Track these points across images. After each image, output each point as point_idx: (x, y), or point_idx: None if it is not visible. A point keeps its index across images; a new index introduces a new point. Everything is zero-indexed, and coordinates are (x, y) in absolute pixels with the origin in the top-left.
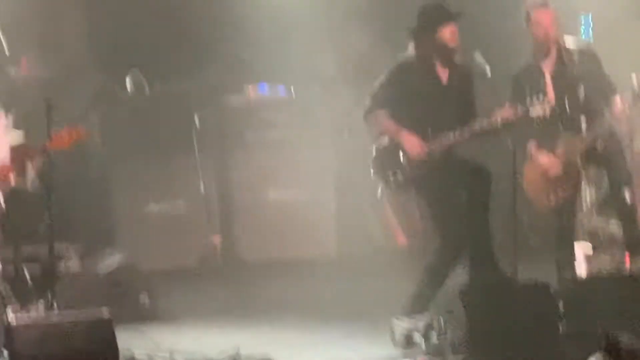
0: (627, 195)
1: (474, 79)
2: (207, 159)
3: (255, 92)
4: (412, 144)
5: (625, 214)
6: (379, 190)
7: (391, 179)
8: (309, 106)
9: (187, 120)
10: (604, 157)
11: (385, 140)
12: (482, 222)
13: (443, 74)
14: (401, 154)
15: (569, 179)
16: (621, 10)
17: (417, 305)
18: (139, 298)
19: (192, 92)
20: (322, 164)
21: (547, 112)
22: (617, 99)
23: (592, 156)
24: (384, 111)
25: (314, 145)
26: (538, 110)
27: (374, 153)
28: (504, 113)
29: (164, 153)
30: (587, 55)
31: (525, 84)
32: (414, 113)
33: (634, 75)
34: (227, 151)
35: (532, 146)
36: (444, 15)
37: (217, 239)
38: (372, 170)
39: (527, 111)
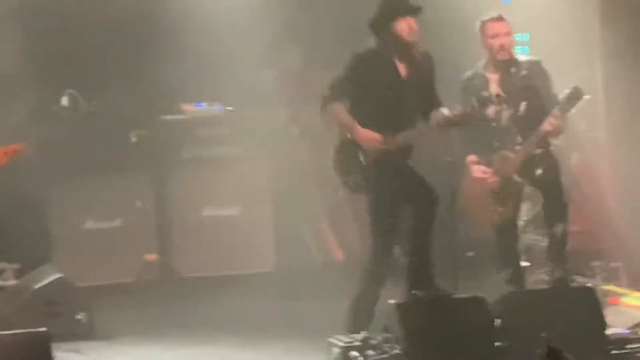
0: (559, 231)
1: (435, 72)
2: (144, 177)
3: (192, 109)
4: (367, 137)
5: (554, 245)
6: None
7: (350, 182)
8: (245, 123)
9: (124, 137)
10: (541, 187)
11: (344, 137)
12: (424, 241)
13: (402, 68)
14: (360, 153)
15: (508, 195)
16: (557, 31)
17: (357, 320)
18: (77, 316)
19: (129, 109)
20: (259, 181)
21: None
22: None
23: (530, 179)
24: (340, 104)
25: (251, 162)
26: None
27: (333, 152)
28: (461, 110)
29: (101, 170)
30: (537, 70)
31: (470, 93)
32: (373, 107)
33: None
34: (164, 168)
35: (470, 160)
36: (402, 9)
37: (154, 256)
38: (333, 170)
39: (482, 106)
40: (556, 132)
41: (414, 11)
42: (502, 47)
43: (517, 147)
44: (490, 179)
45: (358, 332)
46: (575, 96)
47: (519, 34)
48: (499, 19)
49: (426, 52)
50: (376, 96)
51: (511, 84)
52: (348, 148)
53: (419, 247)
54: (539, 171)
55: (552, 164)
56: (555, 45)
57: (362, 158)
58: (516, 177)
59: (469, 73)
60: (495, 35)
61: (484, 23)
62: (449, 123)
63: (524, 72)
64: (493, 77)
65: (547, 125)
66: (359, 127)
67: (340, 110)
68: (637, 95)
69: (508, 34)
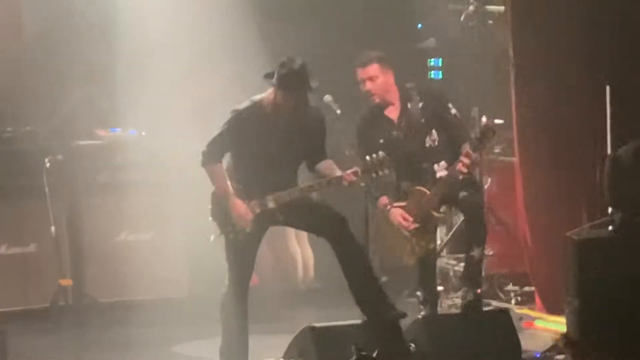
0: (476, 254)
1: (324, 125)
2: (59, 202)
3: (107, 135)
4: (238, 213)
5: (469, 268)
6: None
7: (230, 236)
8: (159, 148)
9: (38, 163)
10: (464, 210)
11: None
12: (356, 263)
13: (287, 123)
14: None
15: (427, 230)
16: (470, 55)
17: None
18: None
19: (44, 135)
20: (173, 206)
21: (386, 168)
22: (467, 146)
23: (454, 201)
24: (218, 165)
25: (165, 187)
26: (378, 168)
27: (211, 199)
28: (348, 175)
29: (15, 196)
30: (431, 96)
31: (374, 131)
32: (254, 163)
33: (483, 119)
34: (78, 194)
35: (382, 203)
36: (302, 86)
37: (69, 281)
38: (210, 217)
39: (369, 171)
40: (471, 168)
41: (312, 90)
42: (368, 93)
43: (438, 175)
44: (412, 226)
45: None
46: (486, 135)
47: (432, 59)
48: (363, 63)
49: (317, 108)
50: (256, 152)
51: (412, 119)
52: (224, 202)
53: (354, 271)
54: (463, 193)
55: (475, 188)
56: (468, 69)
57: None
58: (435, 213)
59: (366, 110)
60: (360, 81)
61: (356, 70)
62: (337, 181)
63: (420, 104)
64: (391, 112)
65: (460, 166)
66: (233, 200)
67: (218, 172)
68: (548, 119)
69: (372, 78)
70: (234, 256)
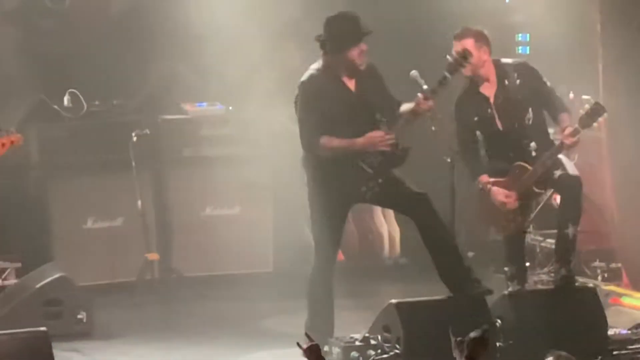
0: (570, 232)
1: (382, 79)
2: (145, 176)
3: (194, 109)
4: (369, 139)
5: (563, 245)
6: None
7: (368, 195)
8: (246, 123)
9: (125, 137)
10: (561, 188)
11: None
12: (440, 240)
13: (351, 83)
14: (364, 165)
15: (526, 206)
16: (558, 30)
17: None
18: (77, 315)
19: (131, 109)
20: (259, 181)
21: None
22: (565, 117)
23: (548, 182)
24: (324, 137)
25: (252, 162)
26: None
27: (337, 174)
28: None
29: (102, 170)
30: (527, 72)
31: (470, 108)
32: (331, 125)
33: (571, 95)
34: (165, 168)
35: (484, 181)
36: (355, 37)
37: (156, 255)
38: (337, 193)
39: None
40: (575, 144)
41: (366, 35)
42: (471, 64)
43: (533, 154)
44: (513, 204)
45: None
46: (596, 112)
47: (520, 34)
48: (461, 35)
49: (370, 64)
50: (332, 114)
51: (507, 92)
52: (347, 166)
53: (441, 248)
54: (559, 172)
55: (570, 166)
56: (556, 45)
57: (368, 169)
58: (536, 189)
59: (461, 89)
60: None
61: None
62: (416, 112)
63: (518, 81)
64: (486, 89)
65: (566, 140)
66: (355, 139)
67: (328, 141)
68: (636, 94)
69: (473, 47)
70: (320, 232)
